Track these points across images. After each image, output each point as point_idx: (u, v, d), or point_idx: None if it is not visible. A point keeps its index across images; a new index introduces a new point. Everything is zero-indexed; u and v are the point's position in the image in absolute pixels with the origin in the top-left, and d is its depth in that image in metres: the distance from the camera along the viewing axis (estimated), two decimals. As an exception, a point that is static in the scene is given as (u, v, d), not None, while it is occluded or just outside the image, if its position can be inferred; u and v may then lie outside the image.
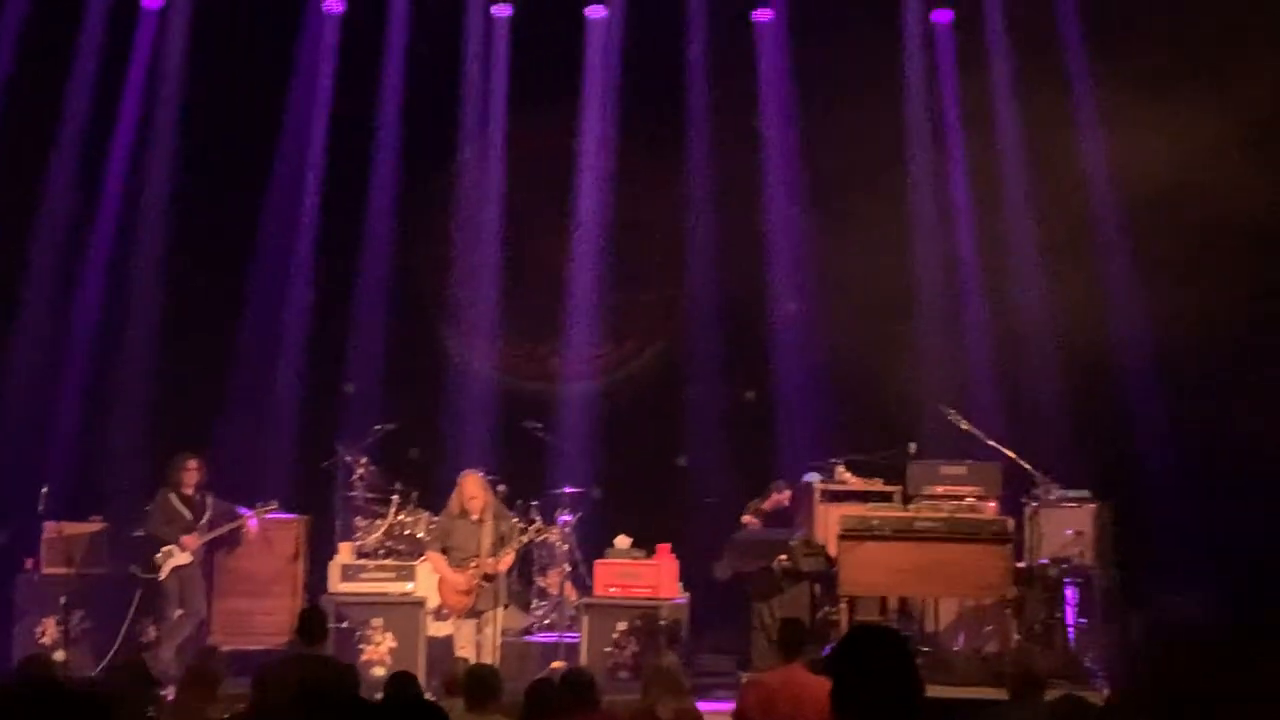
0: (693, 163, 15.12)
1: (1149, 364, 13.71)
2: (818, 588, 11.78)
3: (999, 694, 8.44)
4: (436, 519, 12.25)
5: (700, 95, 15.00)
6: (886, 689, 3.45)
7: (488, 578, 11.47)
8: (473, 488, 11.63)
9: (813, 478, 12.50)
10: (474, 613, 11.49)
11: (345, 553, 12.47)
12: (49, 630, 12.36)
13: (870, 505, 11.80)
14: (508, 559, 11.68)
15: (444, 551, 11.61)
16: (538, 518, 12.63)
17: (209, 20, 14.74)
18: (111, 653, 12.15)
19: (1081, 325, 13.57)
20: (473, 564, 11.44)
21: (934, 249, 14.59)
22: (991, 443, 12.25)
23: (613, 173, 15.31)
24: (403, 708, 3.80)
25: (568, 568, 12.98)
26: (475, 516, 11.56)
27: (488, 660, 11.14)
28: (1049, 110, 14.06)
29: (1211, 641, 2.29)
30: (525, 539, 11.98)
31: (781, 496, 12.92)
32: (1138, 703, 2.19)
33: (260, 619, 12.63)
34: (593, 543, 12.89)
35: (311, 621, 8.77)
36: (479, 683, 7.39)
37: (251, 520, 12.72)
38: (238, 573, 12.94)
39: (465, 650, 11.22)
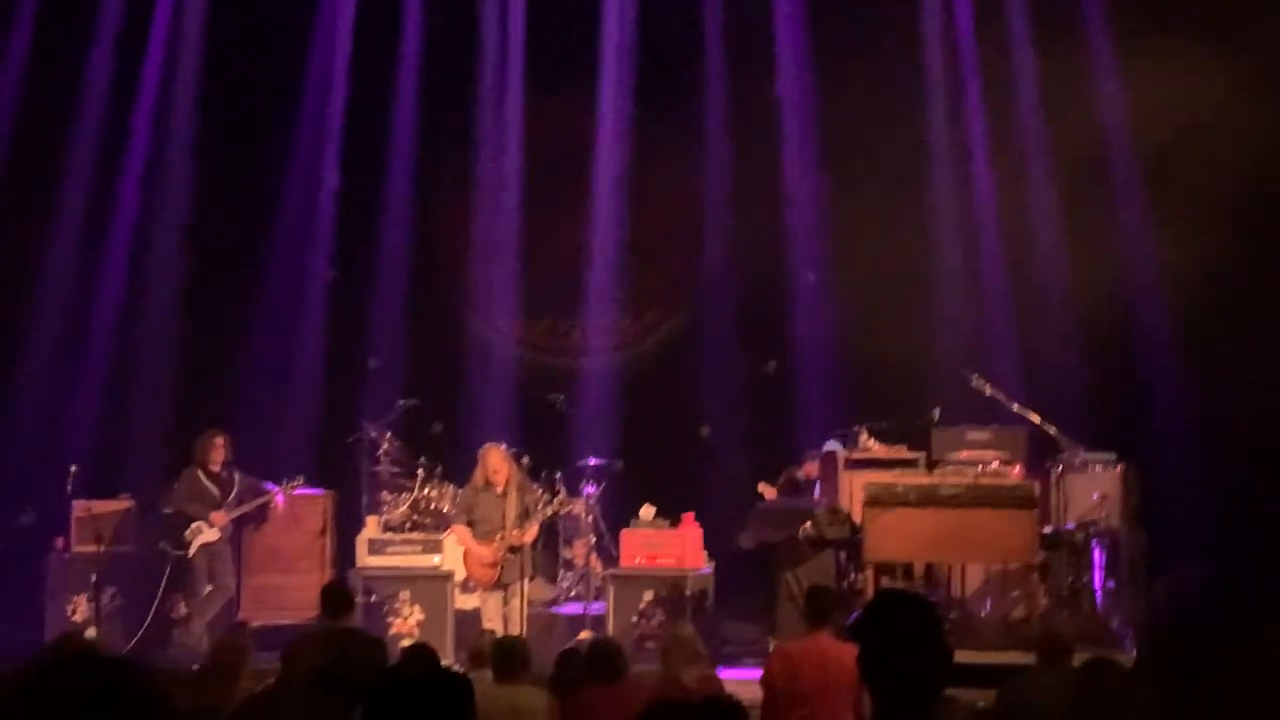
0: (710, 134, 15.09)
1: (1169, 325, 13.66)
2: (843, 556, 11.79)
3: (1026, 658, 8.45)
4: (461, 492, 12.29)
5: (717, 66, 14.96)
6: (914, 653, 3.45)
7: (513, 550, 11.53)
8: (496, 460, 11.67)
9: (833, 445, 12.50)
10: (500, 585, 11.54)
11: (372, 527, 12.54)
12: (80, 608, 12.45)
13: (894, 472, 11.77)
14: (533, 531, 11.72)
15: (469, 525, 11.67)
16: (562, 489, 12.66)
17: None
18: (142, 629, 12.26)
19: (1101, 288, 13.53)
20: (498, 537, 11.48)
21: (953, 215, 14.53)
22: (1015, 407, 12.23)
23: (630, 146, 15.29)
24: (429, 678, 3.81)
25: (593, 539, 13.02)
26: (499, 489, 11.61)
27: (514, 632, 11.23)
28: (1068, 71, 14.00)
29: (1225, 611, 2.28)
30: (550, 511, 12.02)
31: (811, 466, 12.93)
32: (1155, 671, 2.19)
33: (288, 594, 12.69)
34: (617, 514, 12.93)
35: (335, 596, 8.82)
36: (507, 653, 7.43)
37: (279, 496, 12.80)
38: (265, 548, 13.02)
39: (492, 622, 11.27)
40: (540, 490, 12.17)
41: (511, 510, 11.56)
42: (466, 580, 12.06)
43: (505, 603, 11.54)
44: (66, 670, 2.38)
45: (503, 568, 11.51)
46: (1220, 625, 2.29)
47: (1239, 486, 12.83)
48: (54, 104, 14.40)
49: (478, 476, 11.74)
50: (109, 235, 14.76)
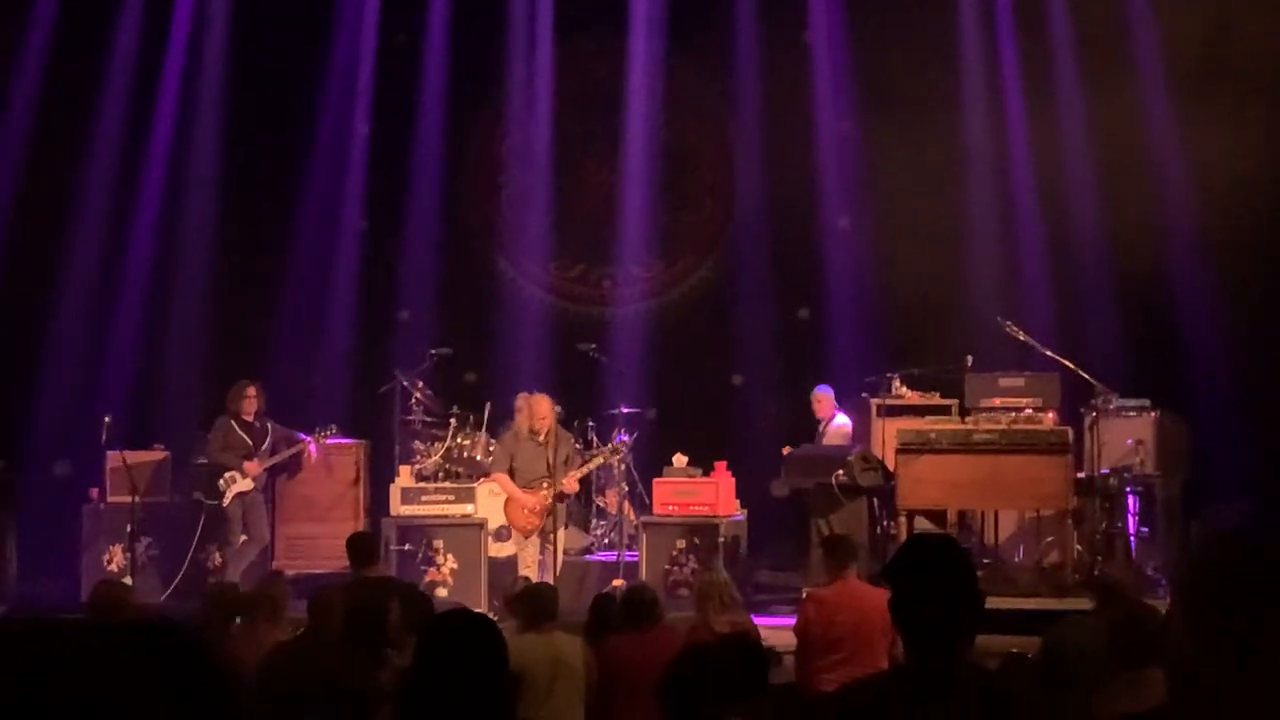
0: (741, 80, 15.00)
1: (1204, 269, 13.53)
2: (876, 503, 11.78)
3: (1060, 604, 8.43)
4: (496, 440, 12.29)
5: (748, 11, 14.84)
6: (945, 597, 3.42)
7: (560, 497, 11.57)
8: (544, 409, 11.68)
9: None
10: (542, 533, 11.58)
11: (405, 476, 12.57)
12: (116, 558, 12.54)
13: (927, 419, 11.73)
14: (575, 479, 11.77)
15: (509, 473, 11.69)
16: (625, 436, 12.66)
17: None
18: (178, 578, 12.34)
19: (1136, 232, 13.40)
20: (544, 484, 11.51)
21: (986, 161, 14.41)
22: (1049, 353, 12.15)
23: (661, 93, 15.23)
24: (456, 621, 3.82)
25: (625, 487, 13.03)
26: (542, 438, 11.63)
27: (551, 579, 11.31)
28: (1105, 17, 13.83)
29: (1262, 545, 2.24)
30: (602, 460, 11.98)
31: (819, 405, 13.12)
32: (1190, 610, 2.16)
33: (323, 543, 12.73)
34: (649, 462, 12.92)
35: (360, 545, 8.84)
36: (536, 600, 7.44)
37: (311, 446, 12.82)
38: (299, 498, 13.07)
39: (529, 570, 11.32)
40: (575, 441, 12.20)
41: (554, 459, 11.59)
42: (502, 528, 12.10)
43: (543, 550, 11.57)
44: (114, 632, 2.33)
45: (547, 515, 11.55)
46: (1255, 566, 2.24)
47: (1275, 431, 12.73)
48: (84, 54, 14.39)
49: (521, 424, 11.75)
50: (141, 186, 14.77)
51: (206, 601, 8.14)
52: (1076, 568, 11.12)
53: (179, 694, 2.20)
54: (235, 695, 2.39)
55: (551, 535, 11.55)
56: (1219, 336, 13.34)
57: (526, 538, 11.61)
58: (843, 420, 12.90)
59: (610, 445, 12.13)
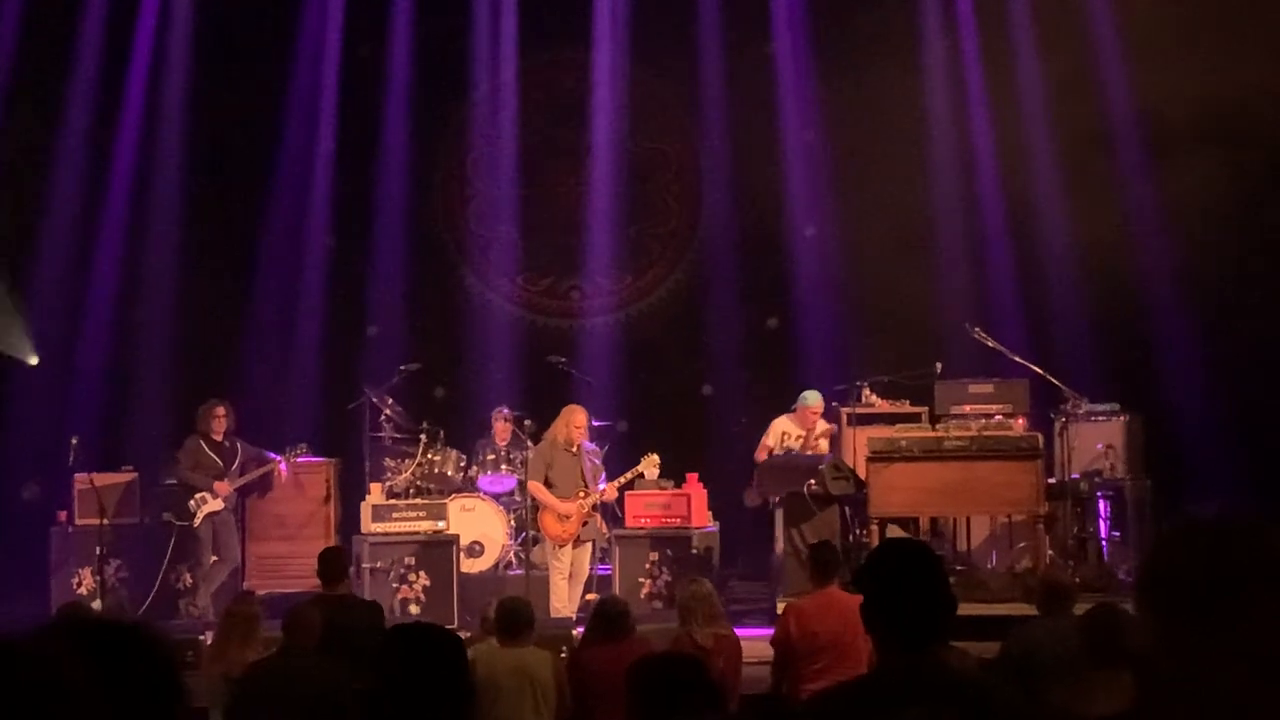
0: (706, 91, 15.01)
1: (1170, 274, 13.58)
2: (848, 511, 11.78)
3: (1032, 610, 8.43)
4: (537, 449, 12.14)
5: (712, 21, 14.86)
6: (916, 601, 3.41)
7: (595, 507, 11.59)
8: (581, 419, 11.70)
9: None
10: (578, 541, 11.58)
11: (376, 493, 12.52)
12: (85, 581, 12.46)
13: (898, 426, 11.74)
14: (614, 487, 11.84)
15: (545, 484, 11.66)
16: (592, 446, 12.66)
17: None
18: (148, 601, 12.26)
19: (1102, 237, 13.44)
20: (580, 494, 11.50)
21: (952, 167, 14.45)
22: (1018, 359, 12.18)
23: (626, 104, 15.24)
24: (413, 632, 3.82)
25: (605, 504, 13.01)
26: (575, 448, 11.62)
27: (579, 588, 11.48)
28: (1068, 20, 13.88)
29: (1223, 538, 2.23)
30: (638, 470, 11.93)
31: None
32: (1152, 606, 2.14)
33: (293, 562, 12.68)
34: (621, 474, 12.90)
35: (328, 562, 8.81)
36: (511, 615, 7.41)
37: (282, 464, 12.78)
38: (270, 517, 13.02)
39: (561, 579, 11.42)
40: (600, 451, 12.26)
41: (586, 469, 11.60)
42: (473, 544, 12.07)
43: (576, 560, 11.60)
44: (77, 634, 2.35)
45: (583, 525, 11.57)
46: (1216, 559, 2.23)
47: (1243, 434, 12.79)
48: (45, 73, 14.33)
49: (559, 434, 11.69)
50: (105, 206, 14.70)
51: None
52: (1048, 573, 11.13)
53: (129, 690, 2.21)
54: (183, 692, 2.42)
55: (585, 544, 11.65)
56: (1188, 339, 13.39)
57: (561, 547, 11.57)
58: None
59: (647, 456, 12.04)
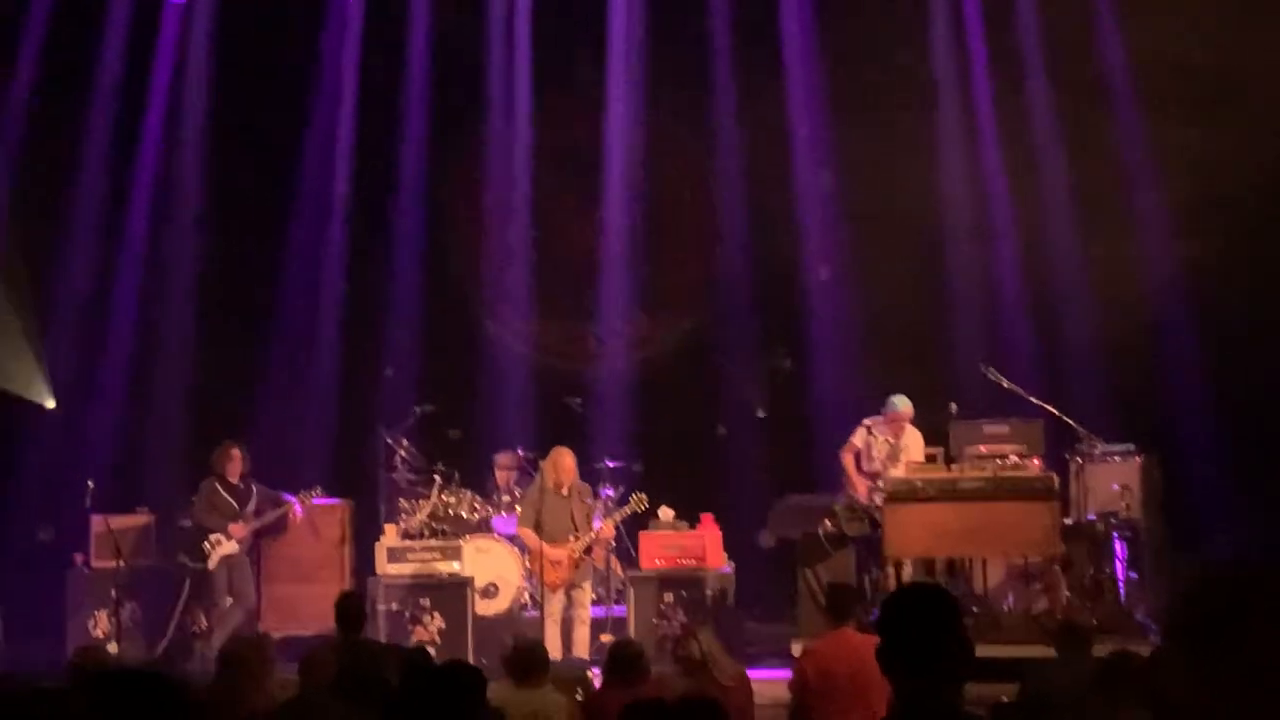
0: (720, 132, 15.07)
1: (1185, 314, 13.58)
2: (863, 552, 11.74)
3: (1049, 652, 8.40)
4: (525, 495, 12.15)
5: (725, 64, 14.93)
6: (934, 646, 3.43)
7: (587, 550, 11.55)
8: (569, 462, 11.69)
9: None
10: (571, 585, 11.56)
11: (390, 535, 12.51)
12: (101, 623, 12.47)
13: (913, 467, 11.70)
14: (611, 525, 11.79)
15: (534, 528, 11.64)
16: (609, 491, 12.68)
17: (234, 6, 14.75)
18: (164, 643, 12.26)
19: (1118, 278, 13.47)
20: (571, 538, 11.48)
21: (967, 210, 14.48)
22: (1033, 399, 12.15)
23: (641, 146, 15.28)
24: (440, 673, 3.84)
25: (613, 542, 12.99)
26: (565, 491, 11.61)
27: (583, 631, 11.41)
28: (1080, 62, 13.94)
29: (1253, 574, 2.28)
30: (628, 510, 11.90)
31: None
32: (1183, 651, 2.19)
33: (309, 604, 12.66)
34: (635, 516, 12.89)
35: (346, 608, 8.80)
36: (525, 657, 7.40)
37: (296, 506, 12.78)
38: (285, 559, 13.02)
39: (555, 624, 11.38)
40: (592, 492, 12.22)
41: (578, 512, 11.58)
42: (488, 585, 12.06)
43: (573, 604, 11.58)
44: (95, 682, 2.37)
45: (575, 568, 11.54)
46: (1248, 604, 2.26)
47: (1259, 475, 12.76)
48: (64, 116, 14.45)
49: (548, 478, 11.68)
50: (123, 248, 14.78)
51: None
52: (1066, 614, 11.09)
53: None
54: None
55: (579, 588, 11.58)
56: (1203, 379, 13.37)
57: (554, 592, 11.54)
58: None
59: (637, 496, 12.01)
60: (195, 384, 14.49)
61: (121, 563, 12.19)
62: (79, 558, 12.75)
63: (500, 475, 13.22)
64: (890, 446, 12.06)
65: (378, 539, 12.51)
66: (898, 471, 11.58)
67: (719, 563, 12.13)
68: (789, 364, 14.96)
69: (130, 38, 14.75)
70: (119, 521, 12.63)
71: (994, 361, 12.53)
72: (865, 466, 12.09)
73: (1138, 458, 11.93)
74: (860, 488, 11.80)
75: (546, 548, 11.49)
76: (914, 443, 12.08)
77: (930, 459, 11.93)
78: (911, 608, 3.55)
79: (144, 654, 12.18)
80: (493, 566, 12.49)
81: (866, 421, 12.24)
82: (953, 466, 11.53)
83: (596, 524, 11.73)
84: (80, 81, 14.57)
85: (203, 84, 14.88)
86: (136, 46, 14.76)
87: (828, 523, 11.62)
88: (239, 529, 12.41)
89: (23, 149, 14.37)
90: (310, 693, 6.99)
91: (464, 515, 12.78)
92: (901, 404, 12.07)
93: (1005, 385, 12.19)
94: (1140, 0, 13.56)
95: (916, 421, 12.12)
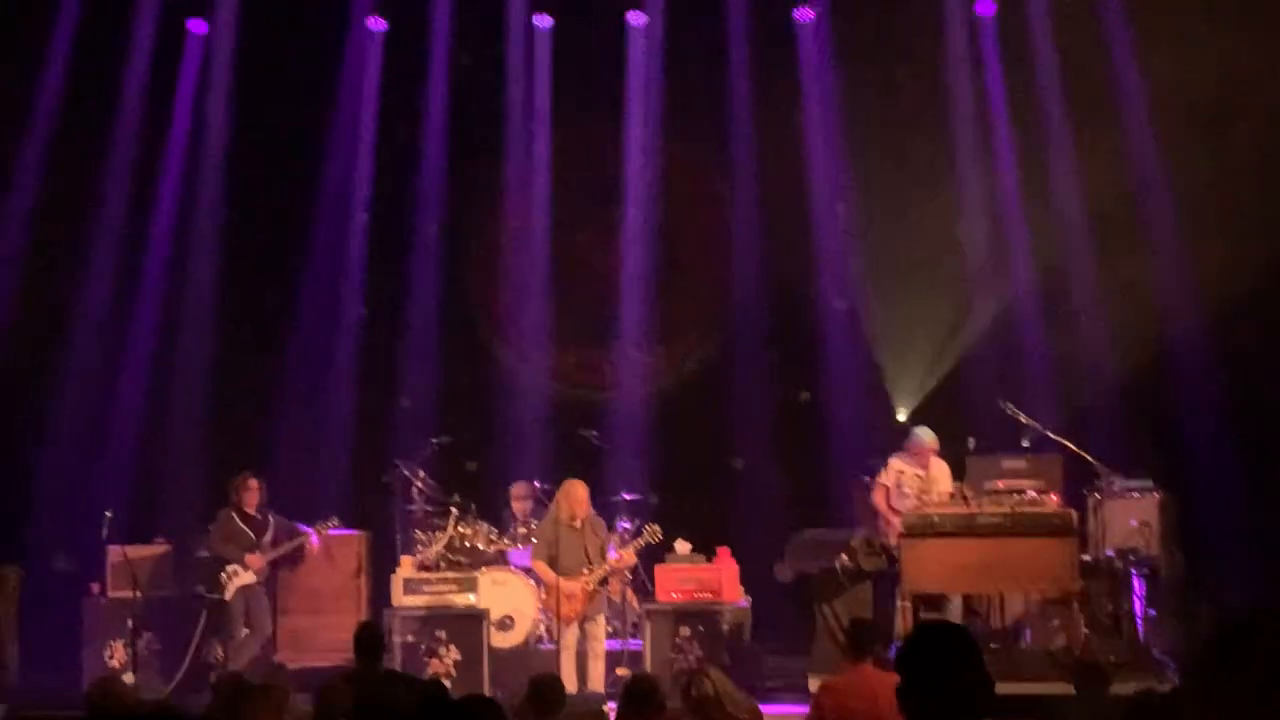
0: (737, 164, 15.10)
1: (1204, 351, 13.56)
2: (881, 588, 11.70)
3: (1068, 689, 8.37)
4: (539, 528, 12.15)
5: (743, 97, 14.97)
6: (954, 684, 3.42)
7: (604, 581, 11.52)
8: (581, 494, 11.69)
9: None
10: (585, 619, 11.53)
11: (407, 566, 12.50)
12: (117, 653, 12.46)
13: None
14: (631, 551, 11.75)
15: (549, 561, 11.61)
16: (626, 524, 12.68)
17: (255, 38, 14.83)
18: (180, 673, 12.25)
19: (1135, 313, 13.47)
20: (584, 570, 11.46)
21: (982, 242, 14.49)
22: (1051, 434, 12.13)
23: (658, 177, 15.32)
24: (458, 707, 3.84)
25: (629, 575, 12.97)
26: (578, 523, 11.59)
27: (598, 664, 11.40)
28: (1095, 95, 13.96)
29: (1272, 613, 2.29)
30: (642, 541, 11.87)
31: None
32: (1206, 691, 2.20)
33: (325, 635, 12.67)
34: (652, 548, 12.87)
35: (366, 639, 8.79)
36: (542, 692, 7.38)
37: (313, 537, 12.79)
38: (301, 590, 13.02)
39: (570, 657, 11.35)
40: (606, 525, 12.20)
41: (591, 545, 11.56)
42: (504, 618, 12.04)
43: (589, 637, 11.55)
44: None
45: (589, 601, 11.52)
46: (1258, 653, 2.27)
47: (1277, 513, 12.71)
48: (85, 146, 14.53)
49: (561, 511, 11.69)
50: (141, 278, 14.85)
51: (215, 693, 8.07)
52: (1084, 651, 11.04)
53: None
54: None
55: (594, 621, 11.58)
56: (1221, 416, 13.34)
57: (568, 625, 11.51)
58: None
59: (651, 528, 11.98)
60: (213, 414, 14.52)
61: (138, 593, 12.19)
62: (95, 587, 12.75)
63: (516, 506, 13.21)
64: (920, 480, 12.04)
65: (394, 570, 12.50)
66: (931, 501, 11.54)
67: (735, 596, 12.10)
68: (807, 396, 14.95)
69: (151, 69, 14.81)
70: (136, 551, 12.65)
71: (1012, 395, 12.52)
72: (897, 503, 12.04)
73: (1156, 494, 11.90)
74: (896, 525, 11.76)
75: (563, 582, 11.47)
76: (942, 474, 12.08)
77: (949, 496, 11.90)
78: (932, 646, 3.54)
79: (160, 684, 12.17)
80: (509, 599, 12.47)
81: (894, 459, 12.22)
82: (970, 502, 11.50)
83: (612, 554, 11.71)
84: (100, 120, 14.66)
85: (221, 115, 14.93)
86: (158, 72, 14.83)
87: (845, 557, 11.59)
88: (256, 560, 12.42)
89: (43, 180, 14.44)
90: (327, 723, 6.98)
91: (480, 547, 12.77)
92: (926, 436, 12.07)
93: (1023, 420, 12.18)
94: (1155, 29, 13.56)
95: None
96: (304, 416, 14.75)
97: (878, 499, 12.09)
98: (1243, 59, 12.98)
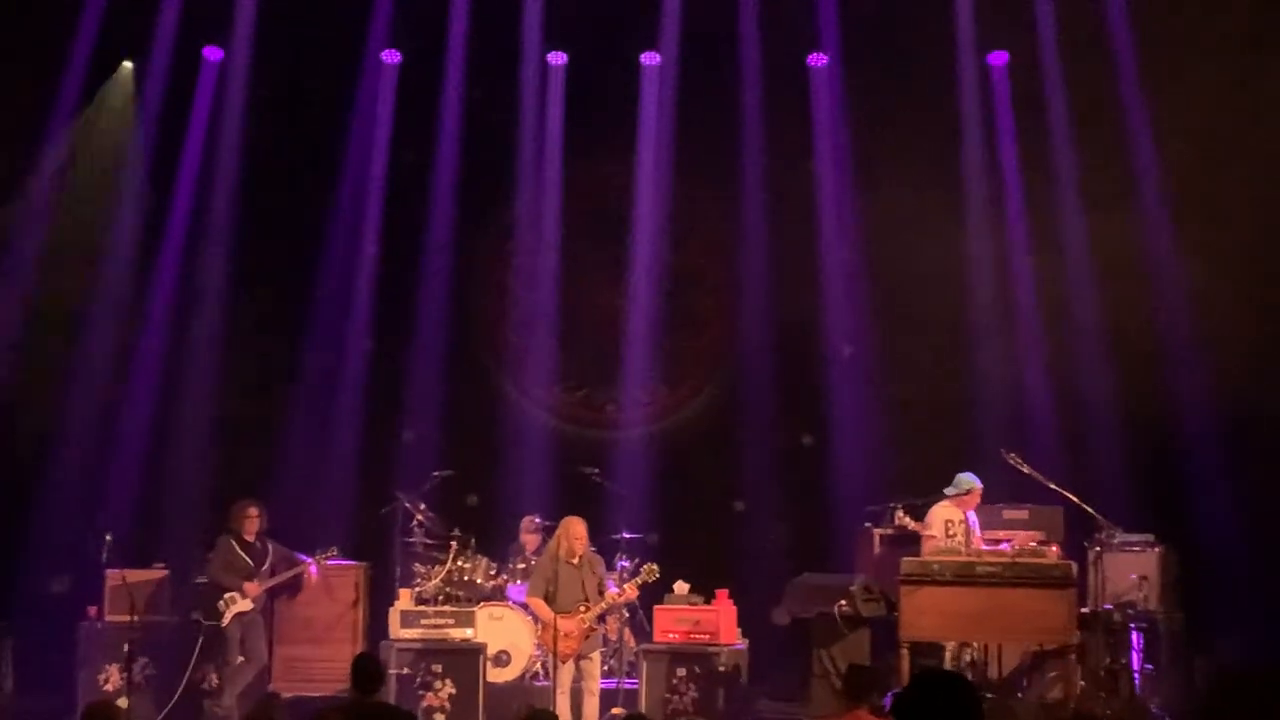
0: (747, 206, 15.14)
1: (1207, 406, 13.56)
2: (879, 634, 11.68)
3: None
4: (537, 564, 12.12)
5: (755, 140, 15.01)
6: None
7: (601, 618, 11.52)
8: (580, 530, 11.65)
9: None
10: (580, 656, 11.48)
11: (405, 599, 12.50)
12: (113, 677, 12.43)
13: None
14: (634, 586, 11.67)
15: (545, 597, 11.58)
16: (625, 562, 12.67)
17: (268, 70, 14.90)
18: (174, 700, 12.22)
19: (1140, 367, 13.49)
20: (581, 608, 11.43)
21: (990, 291, 14.52)
22: (1053, 486, 12.13)
23: (667, 217, 15.37)
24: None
25: (626, 614, 12.95)
26: (577, 560, 11.58)
27: (592, 702, 11.36)
28: (1105, 147, 14.02)
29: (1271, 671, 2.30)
30: (640, 580, 11.81)
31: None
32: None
33: (320, 665, 12.67)
34: (651, 588, 12.84)
35: (364, 670, 8.78)
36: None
37: (312, 567, 12.79)
38: (298, 619, 13.00)
39: (564, 695, 11.31)
40: (604, 562, 12.17)
41: (589, 582, 11.54)
42: (500, 653, 12.02)
43: (585, 674, 11.48)
44: None
45: (587, 638, 11.49)
46: (1257, 711, 2.28)
47: (1278, 570, 12.70)
48: (96, 175, 14.64)
49: (560, 547, 11.64)
50: (147, 303, 14.88)
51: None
52: (1080, 703, 11.01)
53: None
54: None
55: (588, 659, 11.50)
56: (1223, 472, 13.33)
57: (564, 663, 11.46)
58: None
59: (649, 567, 11.93)
60: (215, 441, 14.52)
61: (135, 617, 12.17)
62: (93, 610, 12.73)
63: (526, 539, 13.19)
64: (966, 526, 12.02)
65: (391, 603, 12.49)
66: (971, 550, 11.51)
67: (733, 639, 12.09)
68: (809, 441, 14.95)
69: (164, 101, 14.89)
70: (135, 576, 12.63)
71: (1015, 446, 12.51)
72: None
73: (1157, 548, 11.91)
74: None
75: (559, 620, 11.45)
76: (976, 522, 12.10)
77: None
78: (930, 694, 3.54)
79: (153, 710, 12.14)
80: (505, 634, 12.46)
81: (938, 507, 12.11)
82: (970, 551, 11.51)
83: (612, 588, 11.68)
84: (112, 147, 14.75)
85: (234, 144, 14.98)
86: (171, 108, 14.91)
87: (843, 603, 11.58)
88: (254, 588, 12.41)
89: (56, 203, 14.52)
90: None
91: (479, 581, 12.76)
92: (972, 483, 12.04)
93: (1025, 470, 12.18)
94: (1165, 81, 13.64)
95: (930, 505, 12.13)
96: (307, 445, 14.75)
97: (927, 550, 11.94)
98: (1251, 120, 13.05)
